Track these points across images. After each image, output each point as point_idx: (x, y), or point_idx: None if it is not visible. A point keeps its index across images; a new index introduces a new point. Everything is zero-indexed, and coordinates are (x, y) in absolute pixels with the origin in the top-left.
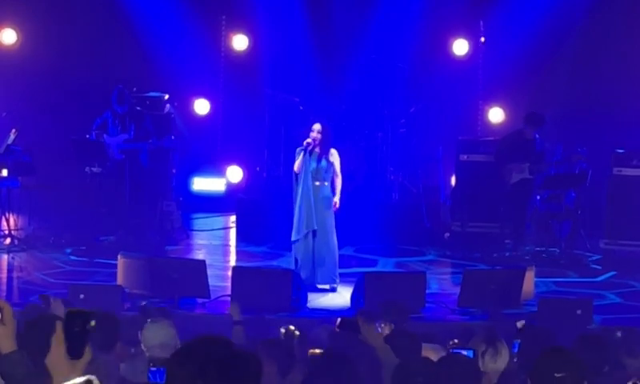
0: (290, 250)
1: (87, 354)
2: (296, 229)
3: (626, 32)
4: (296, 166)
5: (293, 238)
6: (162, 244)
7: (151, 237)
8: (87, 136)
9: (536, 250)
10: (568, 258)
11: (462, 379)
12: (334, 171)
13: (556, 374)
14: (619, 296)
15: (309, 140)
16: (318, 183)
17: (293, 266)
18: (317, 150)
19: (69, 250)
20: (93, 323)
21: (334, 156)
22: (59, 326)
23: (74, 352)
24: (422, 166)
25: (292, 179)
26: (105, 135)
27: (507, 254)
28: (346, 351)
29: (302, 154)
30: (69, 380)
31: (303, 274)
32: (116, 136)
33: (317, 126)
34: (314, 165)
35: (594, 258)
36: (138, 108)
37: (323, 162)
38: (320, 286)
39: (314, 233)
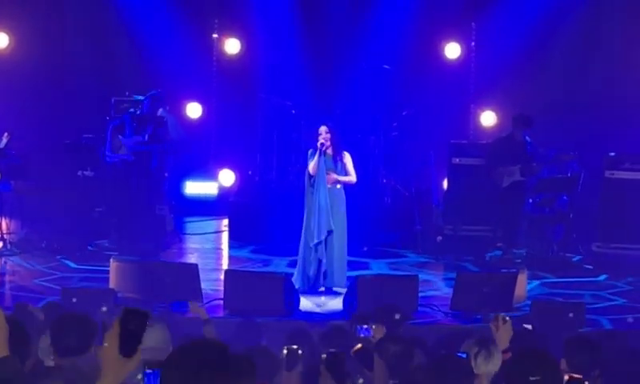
0: (284, 254)
1: (138, 353)
2: (318, 232)
3: (617, 36)
4: (311, 168)
5: (315, 241)
6: (154, 248)
7: (144, 241)
8: (105, 134)
9: (528, 253)
10: (560, 261)
11: (456, 379)
12: (347, 172)
13: (531, 378)
14: (620, 297)
15: (322, 140)
16: (330, 186)
17: (298, 269)
18: (329, 151)
19: (61, 254)
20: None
21: (347, 157)
22: (116, 323)
23: (127, 350)
24: (415, 169)
25: (285, 182)
26: (120, 136)
27: (499, 256)
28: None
29: (316, 155)
30: (118, 377)
31: (317, 279)
32: (130, 137)
33: (323, 128)
34: (330, 166)
35: (587, 261)
36: (163, 114)
37: (339, 165)
38: (330, 288)
39: (329, 233)
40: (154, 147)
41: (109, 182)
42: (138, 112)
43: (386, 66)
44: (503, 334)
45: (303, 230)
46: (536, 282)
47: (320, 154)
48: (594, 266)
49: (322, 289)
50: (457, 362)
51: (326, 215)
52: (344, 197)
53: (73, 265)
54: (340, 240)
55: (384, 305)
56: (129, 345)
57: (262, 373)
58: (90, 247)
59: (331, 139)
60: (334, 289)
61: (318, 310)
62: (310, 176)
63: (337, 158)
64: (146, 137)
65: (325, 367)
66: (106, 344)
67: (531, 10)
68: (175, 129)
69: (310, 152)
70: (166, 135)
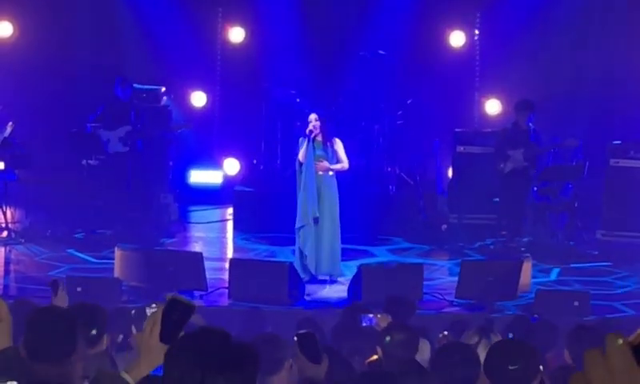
0: (288, 243)
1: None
2: (300, 216)
3: (622, 23)
4: (300, 155)
5: (297, 225)
6: (159, 236)
7: (148, 229)
8: (85, 129)
9: (532, 241)
10: (565, 250)
11: (463, 367)
12: (339, 159)
13: (510, 367)
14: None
15: (310, 128)
16: (321, 173)
17: (296, 256)
18: (319, 138)
19: (66, 243)
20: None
21: (338, 144)
22: (159, 309)
23: (168, 338)
24: (419, 157)
25: (289, 171)
26: (102, 130)
27: (503, 244)
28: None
29: (305, 142)
30: (154, 362)
31: (311, 265)
32: (115, 129)
33: (313, 116)
34: (318, 153)
35: (591, 249)
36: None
37: (328, 151)
38: (322, 277)
39: (316, 220)
40: (140, 135)
41: (110, 172)
42: (108, 101)
43: (381, 52)
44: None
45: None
46: (540, 271)
47: (309, 142)
48: (598, 253)
49: (327, 277)
50: (463, 350)
51: (312, 202)
52: (336, 184)
53: (77, 254)
54: (331, 227)
55: (392, 295)
56: (170, 333)
57: (269, 360)
58: (94, 235)
59: (321, 127)
60: (319, 277)
61: (322, 298)
62: (301, 164)
63: (327, 144)
64: (132, 124)
65: (298, 348)
66: (147, 330)
67: None
68: (178, 117)
69: (300, 140)
70: (167, 122)
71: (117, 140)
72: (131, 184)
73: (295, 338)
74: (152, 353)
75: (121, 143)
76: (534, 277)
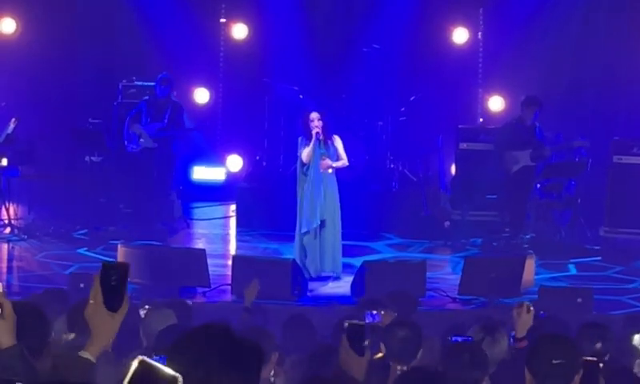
0: (291, 240)
1: (125, 305)
2: (307, 220)
3: (625, 20)
4: (305, 157)
5: (303, 230)
6: (162, 233)
7: (151, 226)
8: (120, 124)
9: (535, 238)
10: (568, 246)
11: (470, 364)
12: (339, 156)
13: (553, 361)
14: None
15: (317, 130)
16: (322, 171)
17: (296, 257)
18: (321, 137)
19: (68, 240)
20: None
21: (337, 141)
22: (96, 279)
23: (112, 305)
24: (422, 154)
25: (292, 167)
26: (139, 125)
27: (506, 241)
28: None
29: (312, 144)
30: (108, 332)
31: (311, 266)
32: (148, 125)
33: (316, 115)
34: (321, 151)
35: (594, 246)
36: (175, 99)
37: (330, 148)
38: (326, 274)
39: (322, 223)
40: (175, 132)
41: (126, 170)
42: (147, 98)
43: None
44: (524, 323)
45: (298, 219)
46: (544, 268)
47: (315, 143)
48: (601, 250)
49: (331, 274)
50: (470, 347)
51: (319, 204)
52: (336, 181)
53: (80, 250)
54: (333, 225)
55: (394, 290)
56: (113, 299)
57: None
58: (98, 232)
59: (323, 126)
60: (323, 274)
61: (326, 294)
62: (303, 164)
63: (328, 142)
64: (165, 122)
65: (347, 337)
66: (91, 302)
67: None
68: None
69: (300, 139)
70: (182, 119)
71: (148, 136)
72: (156, 180)
73: (345, 325)
74: (103, 323)
75: (151, 139)
76: (537, 274)
